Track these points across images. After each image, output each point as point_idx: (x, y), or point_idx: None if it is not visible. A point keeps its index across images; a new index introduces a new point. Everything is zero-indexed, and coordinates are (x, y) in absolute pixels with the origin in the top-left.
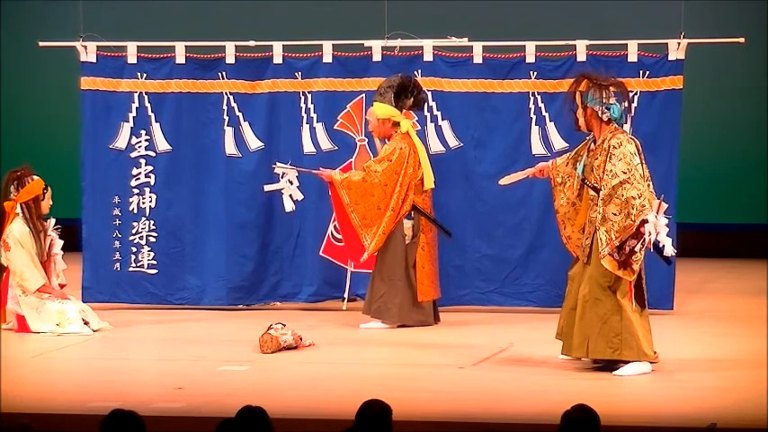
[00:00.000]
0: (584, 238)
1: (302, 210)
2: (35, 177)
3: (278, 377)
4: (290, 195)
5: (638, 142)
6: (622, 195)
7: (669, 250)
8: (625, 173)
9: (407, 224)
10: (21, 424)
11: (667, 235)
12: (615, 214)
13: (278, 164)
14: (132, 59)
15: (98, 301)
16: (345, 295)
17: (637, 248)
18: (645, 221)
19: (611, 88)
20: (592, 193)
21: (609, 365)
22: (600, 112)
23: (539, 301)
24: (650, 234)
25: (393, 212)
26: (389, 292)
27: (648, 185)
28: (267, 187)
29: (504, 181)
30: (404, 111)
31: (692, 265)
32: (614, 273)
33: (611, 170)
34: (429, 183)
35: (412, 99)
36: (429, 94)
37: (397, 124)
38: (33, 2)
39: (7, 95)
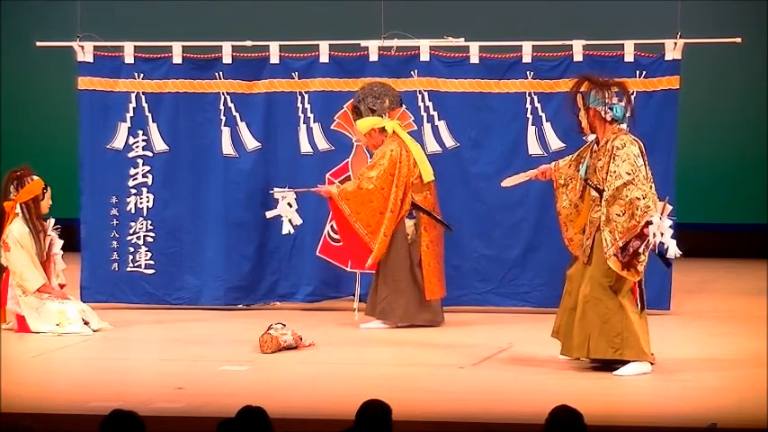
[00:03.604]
0: (585, 239)
1: (299, 210)
2: (35, 177)
3: (278, 377)
4: (290, 220)
5: (641, 144)
6: (626, 196)
7: (674, 252)
8: (629, 174)
9: (409, 223)
10: (24, 426)
11: (671, 237)
12: (619, 215)
13: (276, 189)
14: (129, 59)
15: (97, 301)
16: (356, 303)
17: (641, 250)
18: (649, 223)
19: (614, 88)
20: (594, 194)
21: (608, 365)
22: (603, 113)
23: (536, 301)
24: (654, 236)
25: (392, 214)
26: (393, 293)
27: (651, 187)
28: (269, 214)
29: (507, 183)
30: (386, 114)
31: (691, 265)
32: (619, 273)
33: (614, 171)
34: (427, 176)
35: (386, 100)
36: (426, 94)
37: (383, 130)
38: (31, 2)
39: (6, 95)
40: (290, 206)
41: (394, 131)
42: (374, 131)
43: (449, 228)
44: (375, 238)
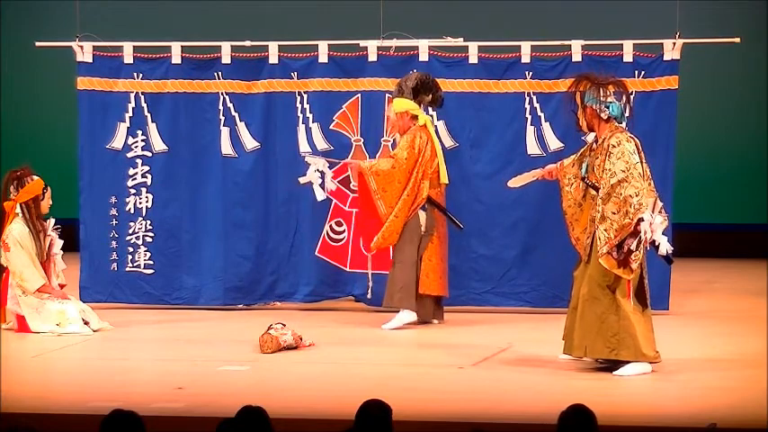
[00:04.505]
0: (586, 238)
1: (298, 210)
2: (35, 177)
3: (278, 377)
4: (321, 185)
5: (637, 141)
6: (621, 194)
7: (665, 249)
8: (624, 171)
9: (422, 215)
10: (22, 424)
11: (663, 233)
12: (614, 213)
13: (307, 156)
14: (129, 59)
15: (96, 301)
16: (369, 283)
17: (633, 247)
18: (641, 220)
19: (611, 87)
20: (593, 192)
21: (610, 365)
22: (599, 111)
23: (534, 301)
24: (645, 233)
25: (408, 197)
26: (410, 282)
27: (649, 184)
28: (301, 179)
29: (513, 183)
30: (422, 106)
31: (691, 265)
32: (613, 271)
33: (609, 169)
34: (444, 177)
35: (431, 95)
36: None
37: (415, 117)
38: (31, 2)
39: (6, 96)
40: (321, 174)
41: (425, 124)
42: (406, 115)
43: (459, 226)
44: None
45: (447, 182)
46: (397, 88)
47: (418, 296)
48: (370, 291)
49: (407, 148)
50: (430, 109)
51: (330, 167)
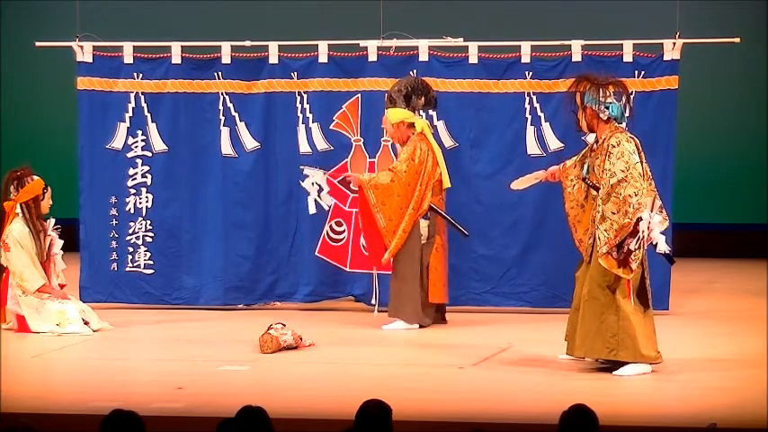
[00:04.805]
0: (587, 238)
1: (298, 210)
2: (35, 177)
3: (278, 377)
4: (316, 200)
5: (637, 141)
6: (620, 194)
7: (663, 248)
8: (623, 171)
9: (423, 224)
10: (22, 423)
11: (662, 232)
12: (614, 213)
13: (306, 168)
14: (129, 59)
15: (96, 301)
16: (374, 301)
17: (633, 247)
18: (640, 219)
19: (611, 88)
20: (594, 192)
21: (610, 365)
22: (599, 111)
23: (534, 301)
24: (643, 232)
25: (413, 211)
26: (406, 291)
27: (650, 184)
28: (303, 183)
29: (516, 185)
30: (417, 111)
31: (691, 265)
32: (613, 271)
33: (609, 169)
34: (446, 182)
35: (423, 98)
36: None
37: (411, 126)
38: (31, 2)
39: (6, 96)
40: (319, 188)
41: (422, 131)
42: (403, 125)
43: (465, 234)
44: (391, 232)
45: (449, 185)
46: (389, 98)
47: (427, 305)
48: (374, 292)
49: (407, 160)
50: (430, 110)
51: (326, 173)
